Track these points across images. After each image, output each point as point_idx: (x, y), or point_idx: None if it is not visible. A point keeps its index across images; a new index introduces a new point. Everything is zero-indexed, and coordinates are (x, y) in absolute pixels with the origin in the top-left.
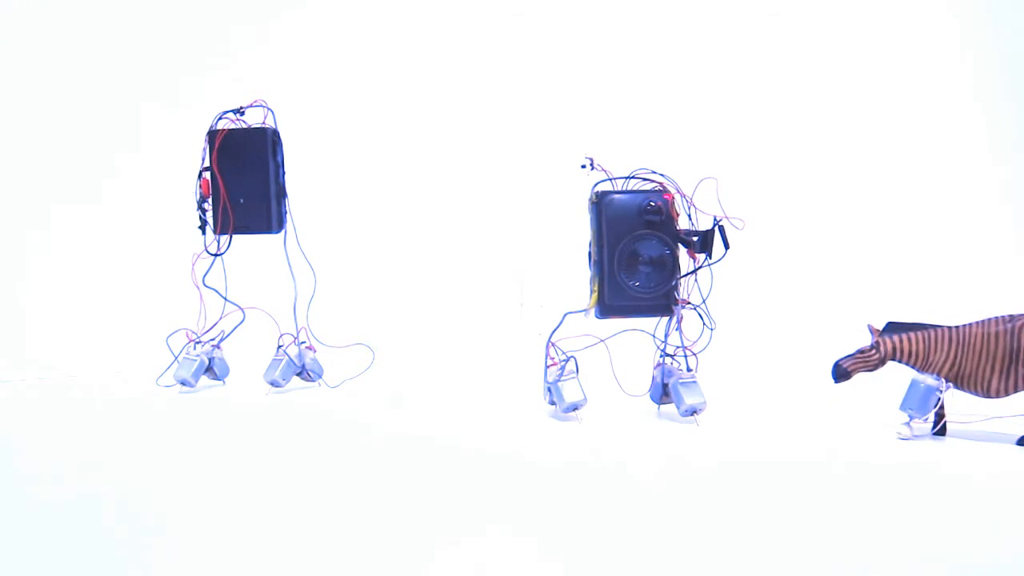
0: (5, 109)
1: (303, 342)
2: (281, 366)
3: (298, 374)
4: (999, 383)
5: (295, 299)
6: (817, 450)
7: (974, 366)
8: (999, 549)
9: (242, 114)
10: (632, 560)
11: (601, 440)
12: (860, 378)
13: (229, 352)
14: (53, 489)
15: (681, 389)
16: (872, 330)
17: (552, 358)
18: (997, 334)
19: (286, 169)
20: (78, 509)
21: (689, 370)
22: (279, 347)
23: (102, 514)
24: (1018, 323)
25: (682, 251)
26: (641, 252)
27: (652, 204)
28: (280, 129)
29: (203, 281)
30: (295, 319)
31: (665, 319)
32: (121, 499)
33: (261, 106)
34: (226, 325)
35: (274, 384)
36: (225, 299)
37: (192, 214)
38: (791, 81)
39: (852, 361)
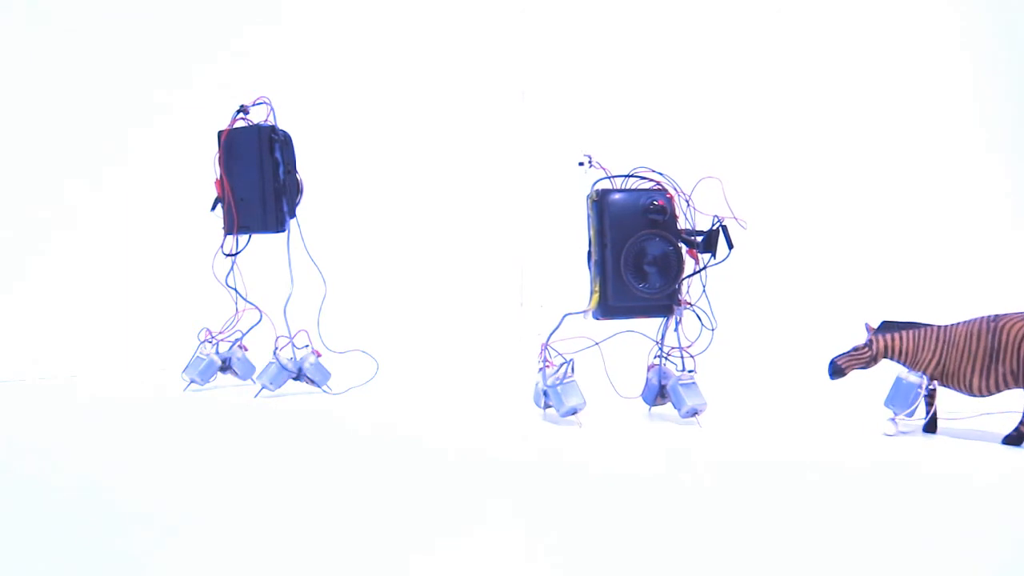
0: (12, 108)
1: (306, 345)
2: (271, 371)
3: (296, 378)
4: (980, 381)
5: (287, 302)
6: (814, 450)
7: (957, 364)
8: (986, 546)
9: (247, 113)
10: (641, 560)
11: (607, 443)
12: (856, 375)
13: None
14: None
15: (682, 390)
16: (868, 328)
17: (548, 361)
18: (979, 333)
19: (296, 168)
20: (61, 506)
21: (691, 372)
22: (274, 351)
23: (84, 511)
24: (1000, 323)
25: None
26: (648, 252)
27: (655, 203)
28: (284, 126)
29: (226, 281)
30: (286, 322)
31: (662, 320)
32: (106, 497)
33: (264, 103)
34: (242, 324)
35: (264, 388)
36: (245, 300)
37: (203, 214)
38: (790, 81)
39: (847, 358)
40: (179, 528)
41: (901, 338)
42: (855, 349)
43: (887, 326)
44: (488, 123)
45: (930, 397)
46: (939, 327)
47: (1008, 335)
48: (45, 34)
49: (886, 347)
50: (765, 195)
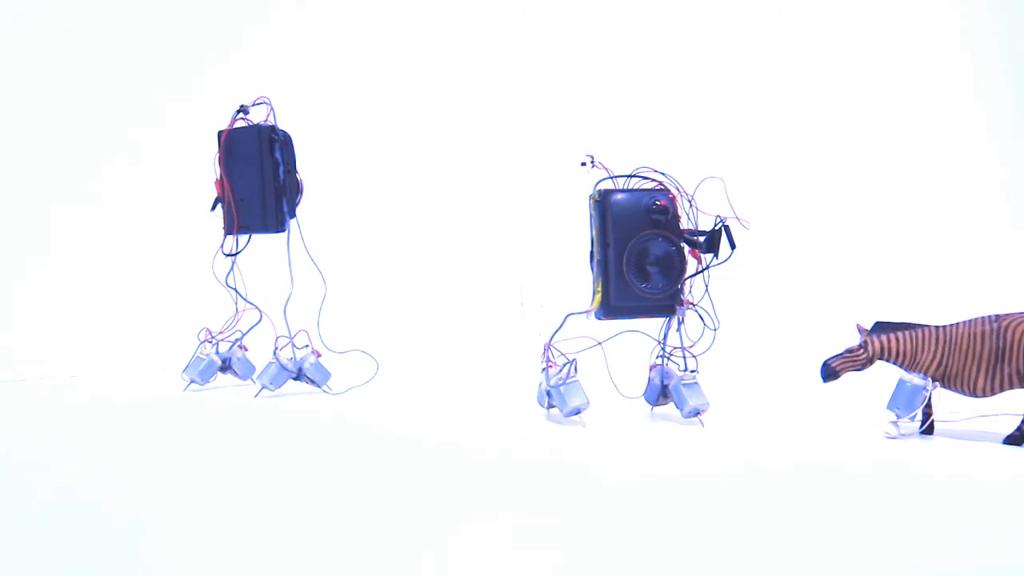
0: (12, 109)
1: (306, 345)
2: (271, 371)
3: (296, 378)
4: (985, 382)
5: (287, 302)
6: (816, 450)
7: (960, 365)
8: (988, 547)
9: (247, 112)
10: (643, 560)
11: (610, 443)
12: (854, 376)
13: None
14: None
15: (684, 390)
16: (860, 329)
17: (551, 361)
18: (983, 334)
19: (296, 168)
20: (60, 508)
21: (693, 372)
22: (274, 351)
23: (85, 513)
24: (1003, 322)
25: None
26: (651, 252)
27: (657, 204)
28: (284, 126)
29: (226, 281)
30: (286, 323)
31: (664, 320)
32: (105, 497)
33: (264, 103)
34: (242, 325)
35: (264, 388)
36: (246, 300)
37: (203, 214)
38: (791, 81)
39: (840, 360)
40: (179, 529)
41: (899, 339)
42: (849, 351)
43: (880, 327)
44: (488, 124)
45: (927, 399)
46: (937, 328)
47: (1013, 335)
48: (46, 35)
49: (883, 349)
50: (767, 195)
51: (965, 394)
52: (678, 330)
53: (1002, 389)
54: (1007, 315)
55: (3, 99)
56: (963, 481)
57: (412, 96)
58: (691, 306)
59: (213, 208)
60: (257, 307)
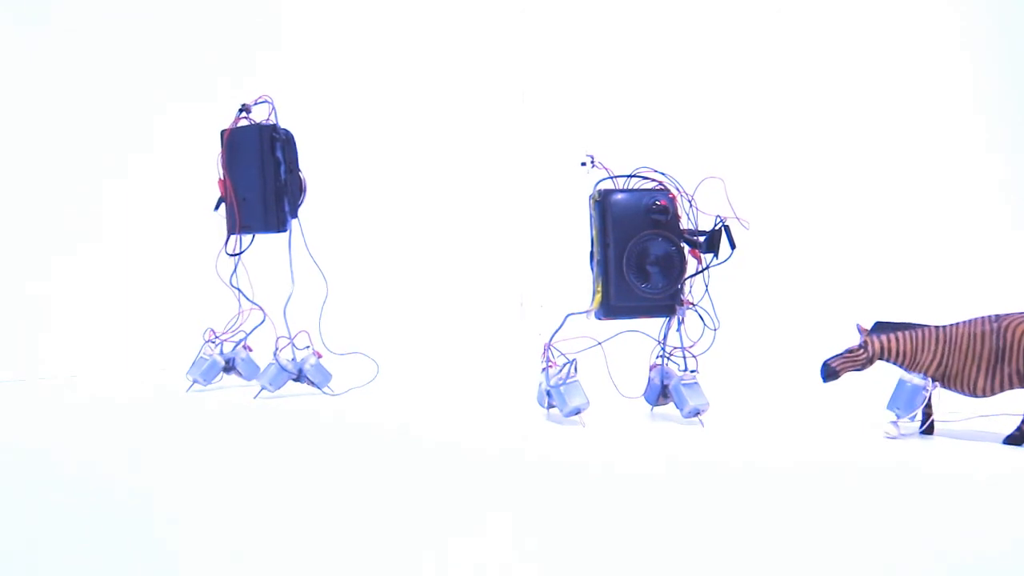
0: (14, 109)
1: (307, 346)
2: (271, 372)
3: (296, 380)
4: (985, 382)
5: (287, 302)
6: (816, 451)
7: (960, 365)
8: (988, 547)
9: (248, 111)
10: (643, 560)
11: (610, 443)
12: (854, 376)
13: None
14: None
15: (684, 390)
16: (860, 329)
17: (551, 361)
18: (983, 334)
19: (299, 167)
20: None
21: (693, 372)
22: (274, 352)
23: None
24: (1003, 322)
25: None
26: (651, 252)
27: (657, 204)
28: (287, 125)
29: (231, 281)
30: (286, 323)
31: (664, 320)
32: (105, 498)
33: (266, 102)
34: (247, 325)
35: (264, 389)
36: (250, 300)
37: (207, 214)
38: (791, 81)
39: (840, 360)
40: (179, 529)
41: (899, 339)
42: (849, 351)
43: (880, 327)
44: (489, 124)
45: (928, 399)
46: (937, 328)
47: (1013, 335)
48: (47, 35)
49: (883, 349)
50: (767, 195)
51: (965, 394)
52: (678, 330)
53: (1002, 389)
54: (1007, 315)
55: (5, 99)
56: (963, 481)
57: (413, 96)
58: (691, 306)
59: (216, 208)
60: (260, 307)
